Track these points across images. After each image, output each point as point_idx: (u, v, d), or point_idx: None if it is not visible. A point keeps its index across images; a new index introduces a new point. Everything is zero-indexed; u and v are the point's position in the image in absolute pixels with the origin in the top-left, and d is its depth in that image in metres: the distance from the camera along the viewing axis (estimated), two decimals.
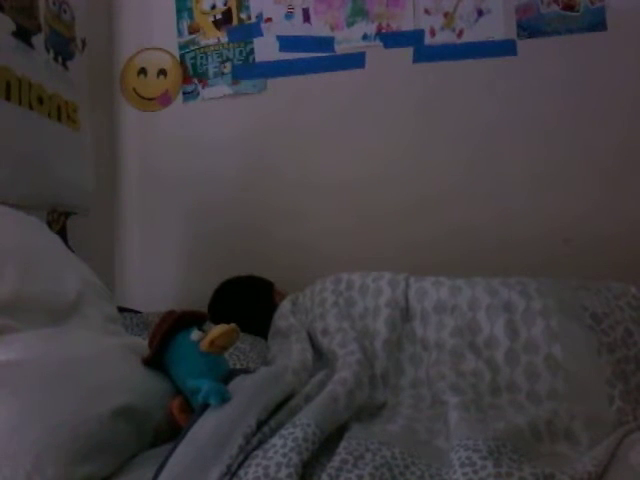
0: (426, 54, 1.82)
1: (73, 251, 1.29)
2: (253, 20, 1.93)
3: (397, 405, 0.97)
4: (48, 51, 1.62)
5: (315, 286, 1.27)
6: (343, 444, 0.77)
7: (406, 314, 1.11)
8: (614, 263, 1.61)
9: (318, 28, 1.89)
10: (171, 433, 0.84)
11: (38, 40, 1.57)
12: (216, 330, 0.92)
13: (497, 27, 1.78)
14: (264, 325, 1.29)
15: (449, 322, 1.06)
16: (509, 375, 0.96)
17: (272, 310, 1.35)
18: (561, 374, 0.93)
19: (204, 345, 0.91)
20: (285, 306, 1.28)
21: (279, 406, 0.82)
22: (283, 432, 0.75)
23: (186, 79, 2.00)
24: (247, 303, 1.46)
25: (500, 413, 0.89)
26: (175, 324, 0.94)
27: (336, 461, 0.72)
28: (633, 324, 1.00)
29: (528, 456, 0.74)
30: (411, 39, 1.83)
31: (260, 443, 0.74)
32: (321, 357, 1.09)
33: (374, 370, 1.03)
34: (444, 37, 1.81)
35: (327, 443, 0.79)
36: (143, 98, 2.04)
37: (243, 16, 1.95)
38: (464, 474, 0.68)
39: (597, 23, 1.71)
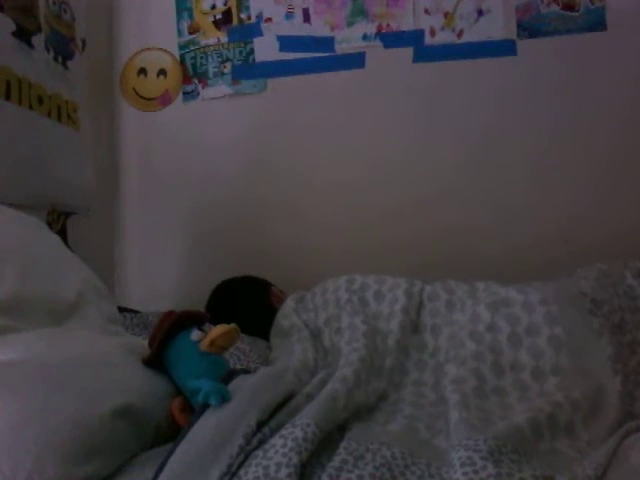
0: (426, 54, 1.82)
1: (73, 251, 1.29)
2: (253, 20, 1.93)
3: (399, 401, 0.97)
4: (48, 51, 1.62)
5: (327, 284, 1.26)
6: (343, 444, 0.77)
7: (416, 327, 1.13)
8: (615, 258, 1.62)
9: (318, 28, 1.89)
10: (171, 433, 0.84)
11: (38, 40, 1.57)
12: (216, 330, 0.92)
13: (497, 27, 1.78)
14: (261, 326, 1.29)
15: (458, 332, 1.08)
16: (513, 356, 0.98)
17: (268, 311, 1.34)
18: (565, 350, 0.95)
19: (204, 345, 0.91)
20: (289, 305, 1.28)
21: (279, 406, 0.82)
22: (283, 432, 0.75)
23: (186, 79, 2.00)
24: (243, 304, 1.46)
25: (503, 402, 0.89)
26: (175, 324, 0.94)
27: (336, 461, 0.72)
28: (629, 313, 1.02)
29: (528, 456, 0.75)
30: (411, 39, 1.83)
31: (260, 443, 0.74)
32: (327, 356, 1.09)
33: (384, 362, 1.03)
34: (444, 37, 1.81)
35: (327, 443, 0.79)
36: (143, 98, 2.04)
37: (243, 16, 1.95)
38: (464, 474, 0.68)
39: (597, 23, 1.71)
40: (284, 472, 0.67)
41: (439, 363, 1.04)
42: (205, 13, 1.98)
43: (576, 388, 0.89)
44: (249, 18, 1.94)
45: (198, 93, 1.99)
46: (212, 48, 1.97)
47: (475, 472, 0.68)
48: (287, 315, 1.24)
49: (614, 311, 1.01)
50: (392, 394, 1.00)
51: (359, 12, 1.87)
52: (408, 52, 1.83)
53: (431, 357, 1.07)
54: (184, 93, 2.00)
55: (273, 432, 0.76)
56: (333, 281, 1.26)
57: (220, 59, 1.97)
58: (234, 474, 0.69)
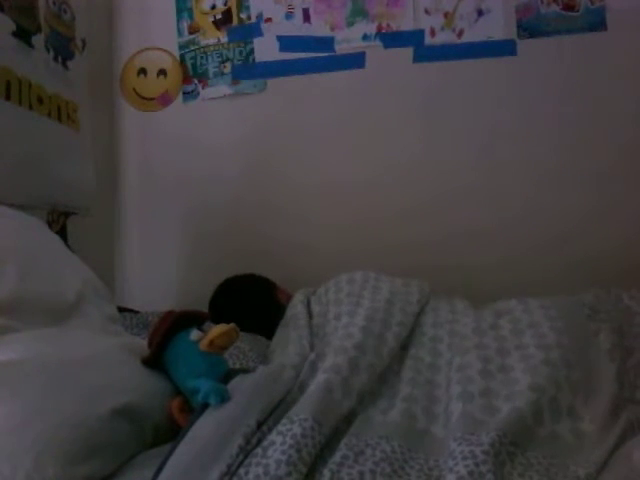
0: (426, 54, 1.82)
1: (73, 251, 1.29)
2: (253, 20, 1.93)
3: (396, 382, 0.97)
4: (48, 51, 1.62)
5: (341, 283, 1.25)
6: (344, 440, 0.78)
7: (417, 323, 1.13)
8: (617, 262, 1.62)
9: (318, 28, 1.89)
10: (171, 433, 0.84)
11: (38, 40, 1.57)
12: (216, 330, 0.92)
13: (497, 27, 1.78)
14: (266, 323, 1.29)
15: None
16: (517, 340, 0.99)
17: (274, 308, 1.35)
18: (566, 335, 0.98)
19: (204, 345, 0.91)
20: (297, 297, 1.29)
21: (278, 403, 0.82)
22: (281, 428, 0.75)
23: (186, 79, 2.00)
24: (249, 301, 1.46)
25: (509, 377, 0.90)
26: (175, 324, 0.94)
27: (337, 457, 0.73)
28: (626, 325, 1.04)
29: (524, 446, 0.76)
30: (411, 39, 1.83)
31: (259, 442, 0.74)
32: (325, 337, 1.09)
33: (385, 343, 1.02)
34: (444, 37, 1.81)
35: (331, 437, 0.79)
36: (143, 98, 2.04)
37: (243, 16, 1.95)
38: (466, 466, 0.69)
39: (597, 23, 1.71)
40: (284, 470, 0.67)
41: (437, 349, 1.04)
42: (205, 13, 1.98)
43: (577, 364, 0.91)
44: (249, 18, 1.94)
45: (198, 93, 1.99)
46: (212, 48, 1.97)
47: (476, 465, 0.69)
48: (292, 306, 1.25)
49: (612, 320, 1.04)
50: (391, 378, 0.99)
51: (359, 12, 1.87)
52: (408, 52, 1.83)
53: (430, 341, 1.07)
54: (184, 93, 2.00)
55: (271, 428, 0.77)
56: (347, 281, 1.26)
57: (220, 59, 1.97)
58: (234, 474, 0.69)
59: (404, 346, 1.06)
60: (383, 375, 0.97)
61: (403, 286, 1.23)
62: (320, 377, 0.88)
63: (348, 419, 0.85)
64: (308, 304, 1.26)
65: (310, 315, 1.21)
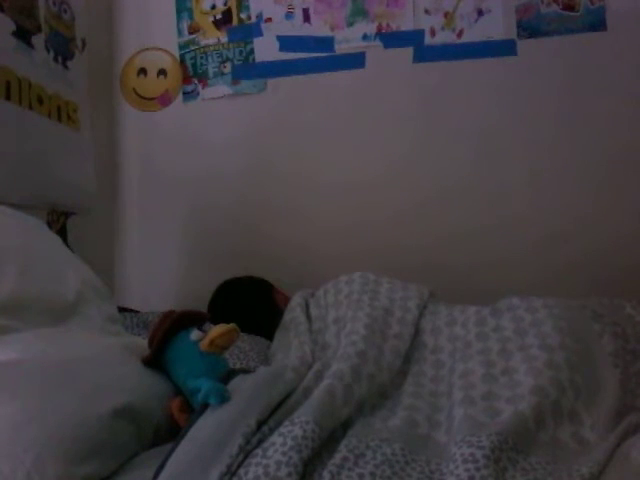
0: (426, 54, 1.82)
1: (73, 251, 1.29)
2: (253, 20, 1.93)
3: (398, 395, 0.97)
4: (48, 51, 1.62)
5: (340, 285, 1.25)
6: (344, 442, 0.77)
7: (416, 331, 1.13)
8: (617, 262, 1.62)
9: (318, 28, 1.89)
10: (171, 433, 0.84)
11: (38, 40, 1.57)
12: (216, 330, 0.92)
13: (497, 27, 1.78)
14: (264, 325, 1.29)
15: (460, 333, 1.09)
16: (520, 341, 0.99)
17: (273, 309, 1.35)
18: (569, 337, 0.97)
19: (204, 345, 0.91)
20: (295, 300, 1.28)
21: (279, 404, 0.82)
22: (282, 430, 0.75)
23: (186, 79, 2.00)
24: (247, 303, 1.46)
25: (512, 379, 0.90)
26: (175, 324, 0.94)
27: (337, 459, 0.73)
28: (630, 328, 1.03)
29: (526, 452, 0.76)
30: (411, 39, 1.83)
31: (260, 442, 0.74)
32: (327, 349, 1.09)
33: (383, 355, 1.02)
34: (444, 37, 1.81)
35: (329, 440, 0.79)
36: (143, 98, 2.04)
37: (243, 16, 1.95)
38: (466, 470, 0.69)
39: (597, 23, 1.71)
40: (284, 471, 0.67)
41: (440, 360, 1.04)
42: (205, 13, 1.98)
43: (581, 367, 0.91)
44: (249, 18, 1.94)
45: (198, 93, 1.99)
46: (212, 48, 1.97)
47: (477, 469, 0.68)
48: (291, 309, 1.25)
49: (615, 324, 1.03)
50: (393, 393, 0.99)
51: (359, 12, 1.87)
52: (408, 52, 1.83)
53: (431, 354, 1.07)
54: (184, 93, 2.00)
55: (272, 430, 0.77)
56: (346, 282, 1.25)
57: (220, 59, 1.97)
58: (234, 474, 0.69)
59: (407, 359, 1.05)
60: (384, 389, 0.96)
61: (402, 290, 1.23)
62: (323, 382, 0.88)
63: (347, 425, 0.85)
64: (307, 307, 1.26)
65: (309, 319, 1.21)
